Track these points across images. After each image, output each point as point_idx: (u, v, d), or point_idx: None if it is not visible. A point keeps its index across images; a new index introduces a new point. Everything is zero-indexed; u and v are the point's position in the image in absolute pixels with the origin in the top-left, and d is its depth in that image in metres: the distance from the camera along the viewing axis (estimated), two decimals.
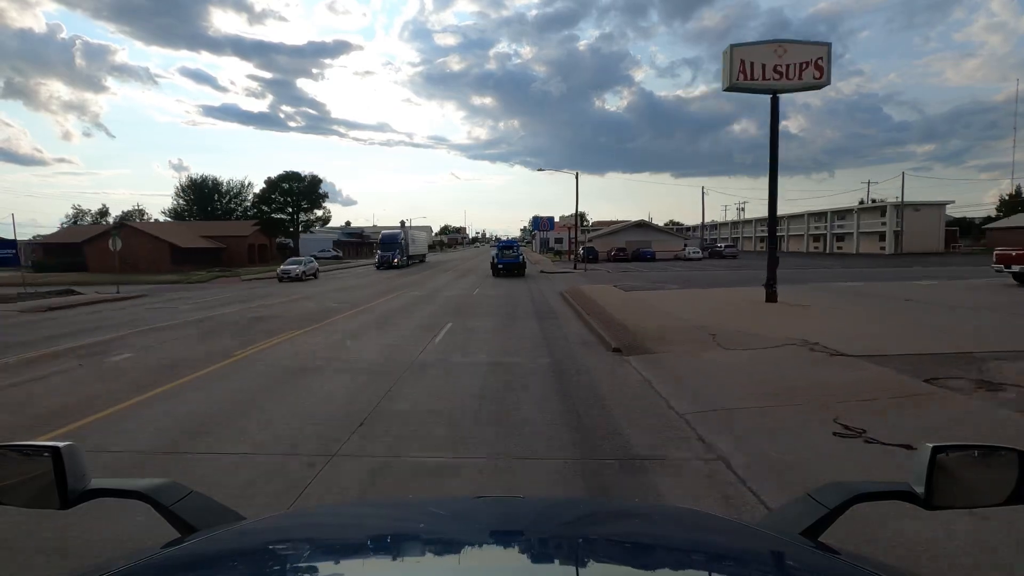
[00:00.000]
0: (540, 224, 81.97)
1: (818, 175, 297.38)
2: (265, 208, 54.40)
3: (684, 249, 53.12)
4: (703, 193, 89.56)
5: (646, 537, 1.13)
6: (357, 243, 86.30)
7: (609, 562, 1.00)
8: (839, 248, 64.17)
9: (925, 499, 1.04)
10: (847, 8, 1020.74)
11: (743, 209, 72.73)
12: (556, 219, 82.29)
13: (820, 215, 69.35)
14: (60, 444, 1.04)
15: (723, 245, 61.97)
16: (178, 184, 71.70)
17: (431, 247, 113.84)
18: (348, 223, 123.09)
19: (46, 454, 1.03)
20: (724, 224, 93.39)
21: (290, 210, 55.12)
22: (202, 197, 70.25)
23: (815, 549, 0.98)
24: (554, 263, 50.94)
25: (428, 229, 47.42)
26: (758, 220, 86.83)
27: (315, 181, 56.16)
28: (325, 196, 56.92)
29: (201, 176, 72.07)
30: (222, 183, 71.62)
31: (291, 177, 54.69)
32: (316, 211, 56.94)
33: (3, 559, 3.21)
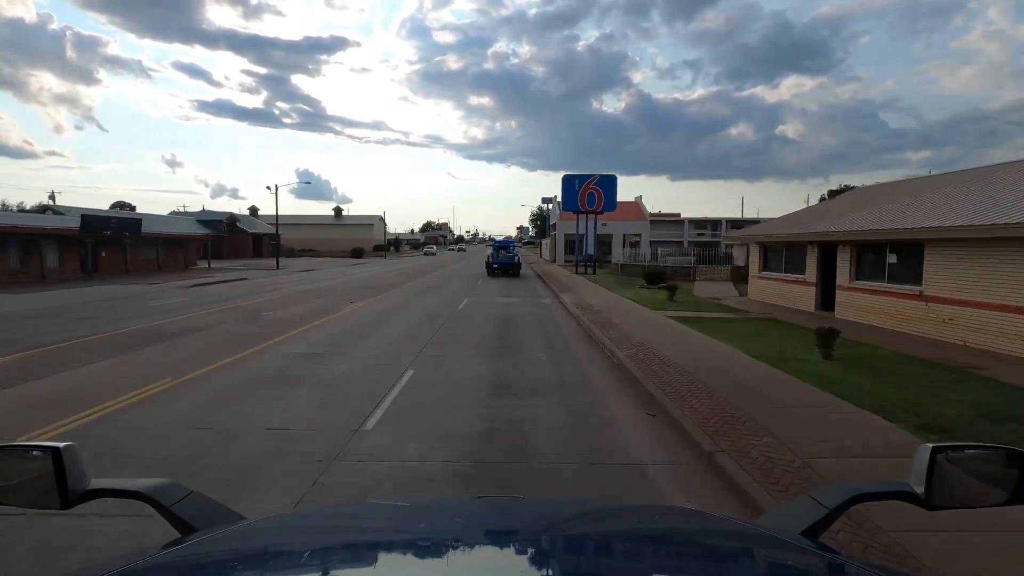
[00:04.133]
0: (580, 194, 37.93)
1: (813, 180, 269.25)
2: None
3: None
4: None
5: (646, 537, 1.12)
6: (181, 240, 40.68)
7: (609, 562, 0.98)
8: None
9: (925, 499, 1.03)
10: (849, 12, 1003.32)
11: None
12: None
13: None
14: (60, 444, 1.02)
15: None
16: None
17: (379, 250, 68.34)
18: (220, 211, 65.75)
19: (46, 454, 1.02)
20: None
21: None
22: None
23: (815, 549, 0.97)
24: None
25: None
26: None
27: None
28: None
29: None
30: None
31: None
32: None
33: (2, 558, 3.12)
